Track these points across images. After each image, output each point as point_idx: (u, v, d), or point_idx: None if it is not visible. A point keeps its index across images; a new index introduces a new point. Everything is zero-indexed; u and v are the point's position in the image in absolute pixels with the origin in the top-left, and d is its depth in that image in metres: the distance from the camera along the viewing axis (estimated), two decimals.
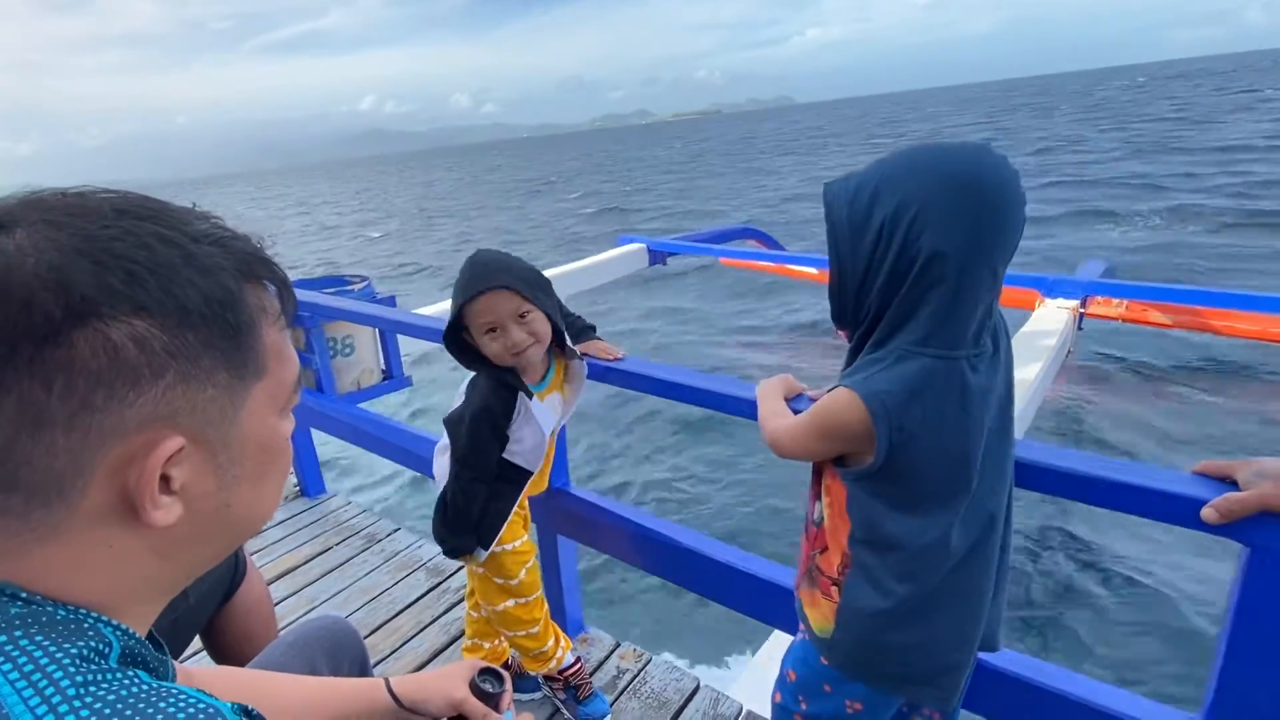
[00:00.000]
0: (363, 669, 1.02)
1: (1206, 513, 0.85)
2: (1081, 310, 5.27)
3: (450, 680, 0.83)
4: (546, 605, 1.53)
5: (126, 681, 0.38)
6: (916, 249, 0.80)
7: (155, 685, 0.39)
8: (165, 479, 0.42)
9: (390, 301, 2.77)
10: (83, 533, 0.41)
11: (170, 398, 0.41)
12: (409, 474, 4.76)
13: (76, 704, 0.36)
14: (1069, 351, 5.08)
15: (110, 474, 0.40)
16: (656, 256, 8.06)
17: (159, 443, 0.41)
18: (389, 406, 5.27)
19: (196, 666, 0.77)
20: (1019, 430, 3.56)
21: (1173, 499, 0.90)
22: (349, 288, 2.79)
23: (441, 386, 7.46)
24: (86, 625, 0.41)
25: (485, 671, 0.85)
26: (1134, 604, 3.30)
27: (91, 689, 0.37)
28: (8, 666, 0.36)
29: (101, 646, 0.40)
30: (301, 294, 2.42)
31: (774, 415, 1.07)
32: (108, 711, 0.36)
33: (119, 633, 0.42)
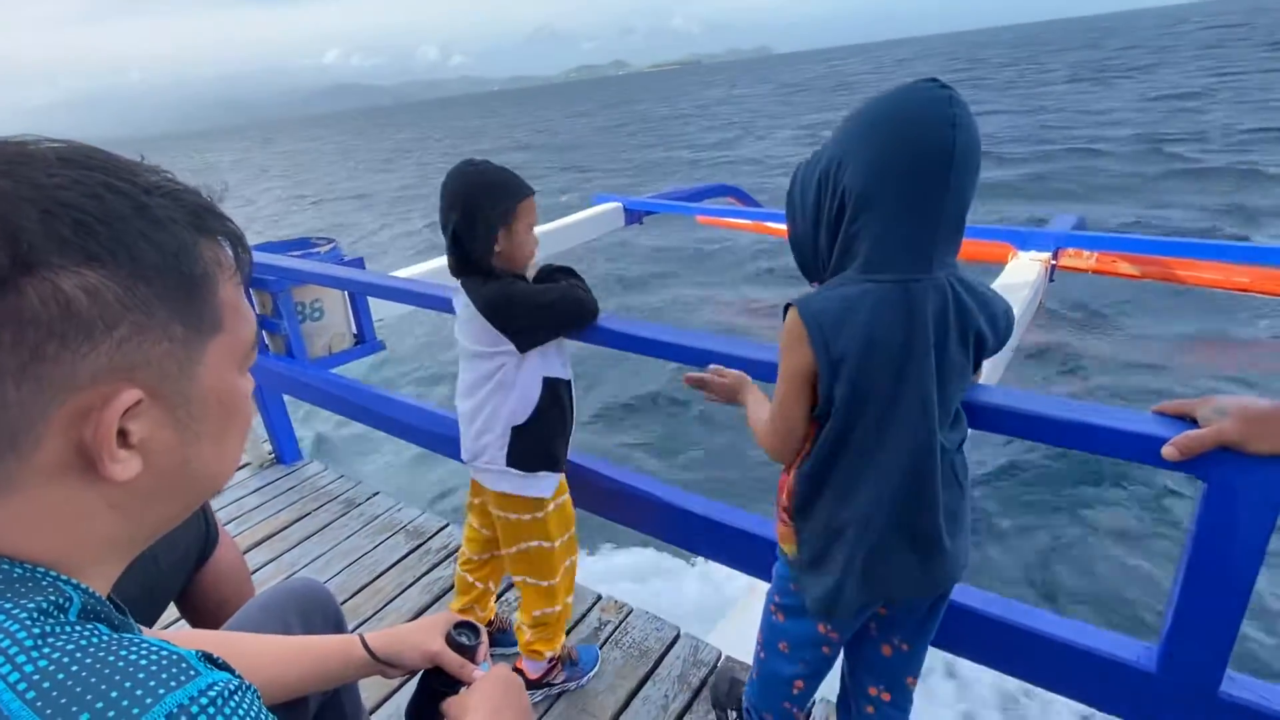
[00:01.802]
0: (338, 628, 1.02)
1: (1167, 450, 0.87)
2: (1053, 262, 5.33)
3: (426, 633, 0.83)
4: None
5: (86, 633, 0.38)
6: (843, 189, 0.87)
7: (116, 635, 0.39)
8: (124, 433, 0.41)
9: (359, 264, 2.70)
10: (39, 488, 0.40)
11: (126, 350, 0.40)
12: (387, 439, 4.74)
13: (34, 654, 0.35)
14: (1040, 302, 5.16)
15: (66, 427, 0.39)
16: (633, 216, 7.94)
17: (116, 395, 0.40)
18: (363, 372, 5.22)
19: (168, 630, 0.76)
20: (992, 378, 3.64)
21: (1134, 438, 0.92)
22: (315, 250, 2.71)
23: (416, 350, 7.39)
24: (45, 583, 0.40)
25: (461, 625, 0.85)
26: (1095, 544, 3.43)
27: (50, 640, 0.36)
28: None
29: (61, 601, 0.40)
30: (268, 257, 2.36)
31: (757, 405, 1.09)
32: (66, 660, 0.35)
33: (79, 590, 0.42)
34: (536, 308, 1.32)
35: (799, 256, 0.98)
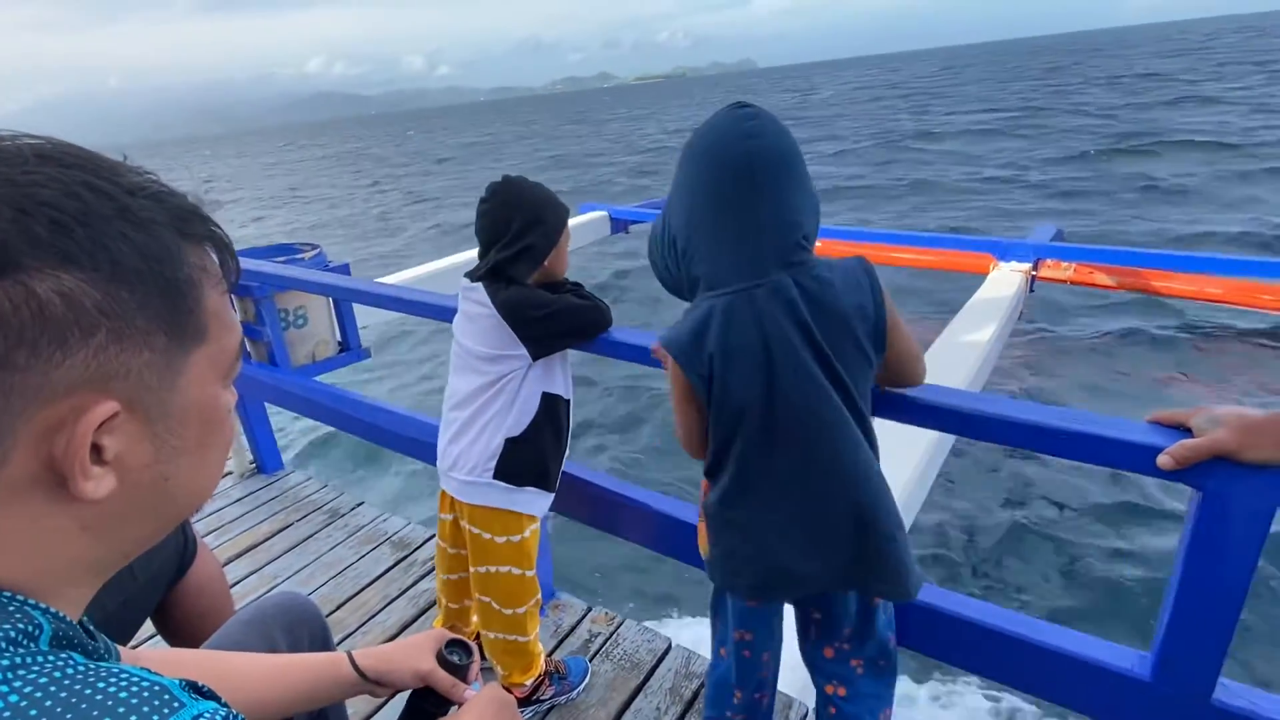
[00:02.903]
0: (324, 644, 0.99)
1: (1162, 459, 0.88)
2: (1033, 273, 5.41)
3: (416, 651, 0.81)
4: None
5: (60, 663, 0.35)
6: (670, 221, 1.00)
7: (93, 665, 0.36)
8: (97, 448, 0.38)
9: (344, 270, 2.66)
10: (5, 506, 0.37)
11: (102, 360, 0.37)
12: (370, 447, 4.67)
13: (4, 689, 0.33)
14: (1021, 313, 5.23)
15: (36, 441, 0.36)
16: (619, 225, 7.96)
17: (89, 408, 0.37)
18: (345, 380, 5.14)
19: (146, 649, 0.73)
20: (976, 387, 3.67)
21: (1130, 447, 0.92)
22: (299, 256, 2.67)
23: (403, 359, 7.31)
24: (13, 609, 0.37)
25: (453, 643, 0.82)
26: (1089, 553, 3.46)
27: (20, 672, 0.34)
28: None
29: (31, 629, 0.37)
30: (249, 263, 2.32)
31: None
32: (39, 695, 0.33)
33: (49, 616, 0.39)
34: (555, 313, 1.31)
35: (669, 289, 1.07)
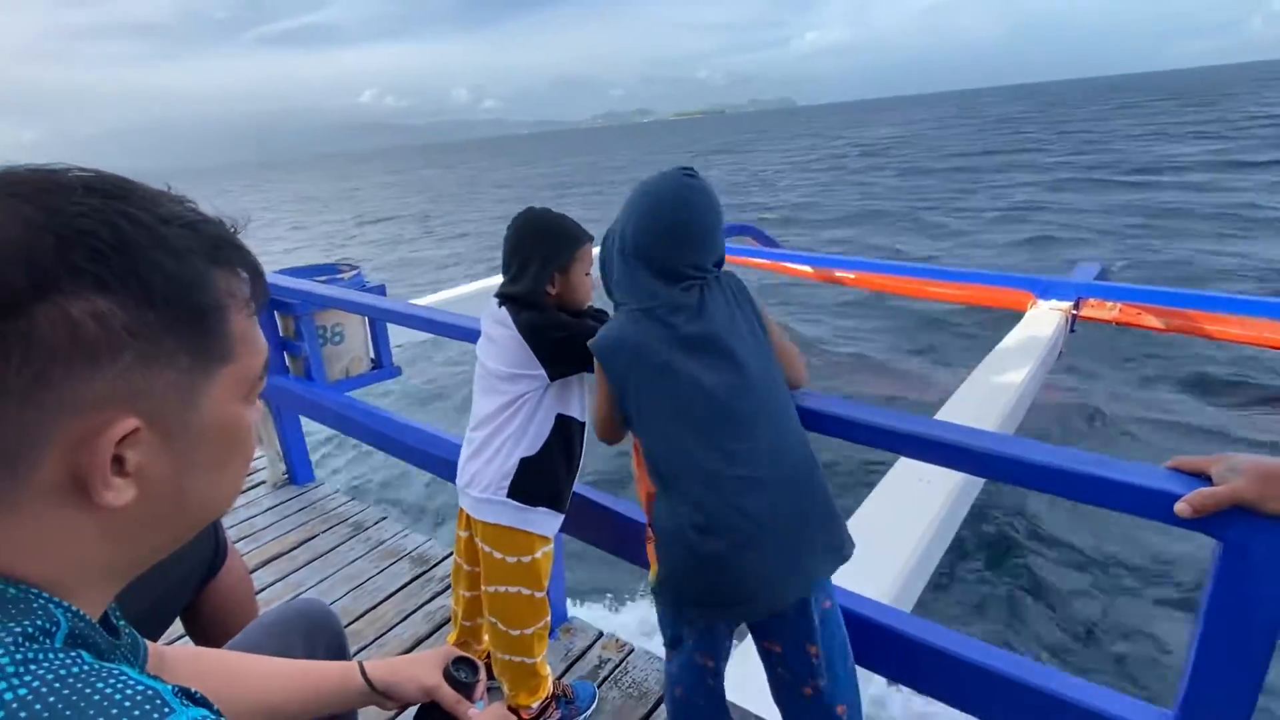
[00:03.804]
0: (339, 652, 1.02)
1: (1180, 507, 0.86)
2: (1074, 312, 5.28)
3: (424, 666, 0.83)
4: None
5: (68, 661, 0.38)
6: (611, 252, 1.20)
7: (97, 666, 0.39)
8: (119, 460, 0.41)
9: (380, 290, 2.75)
10: (35, 510, 0.40)
11: (129, 378, 0.40)
12: (396, 463, 4.74)
13: (15, 681, 0.35)
14: (1060, 353, 5.10)
15: (64, 451, 0.40)
16: None
17: (113, 423, 0.40)
18: (377, 396, 5.26)
19: (173, 647, 0.76)
20: (1009, 428, 3.58)
21: (1146, 493, 0.90)
22: (339, 276, 2.77)
23: (431, 378, 7.45)
24: (36, 605, 0.40)
25: (460, 660, 0.84)
26: (1109, 600, 3.32)
27: (31, 667, 0.36)
28: None
29: (48, 625, 0.40)
30: (292, 281, 2.42)
31: None
32: (44, 690, 0.35)
33: (68, 613, 0.42)
34: (573, 336, 1.34)
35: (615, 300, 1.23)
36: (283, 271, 2.73)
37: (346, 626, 1.85)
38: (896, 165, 26.59)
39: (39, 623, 0.39)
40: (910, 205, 16.48)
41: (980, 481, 2.83)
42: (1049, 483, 1.00)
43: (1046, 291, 5.44)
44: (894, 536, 2.34)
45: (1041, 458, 1.00)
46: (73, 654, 0.39)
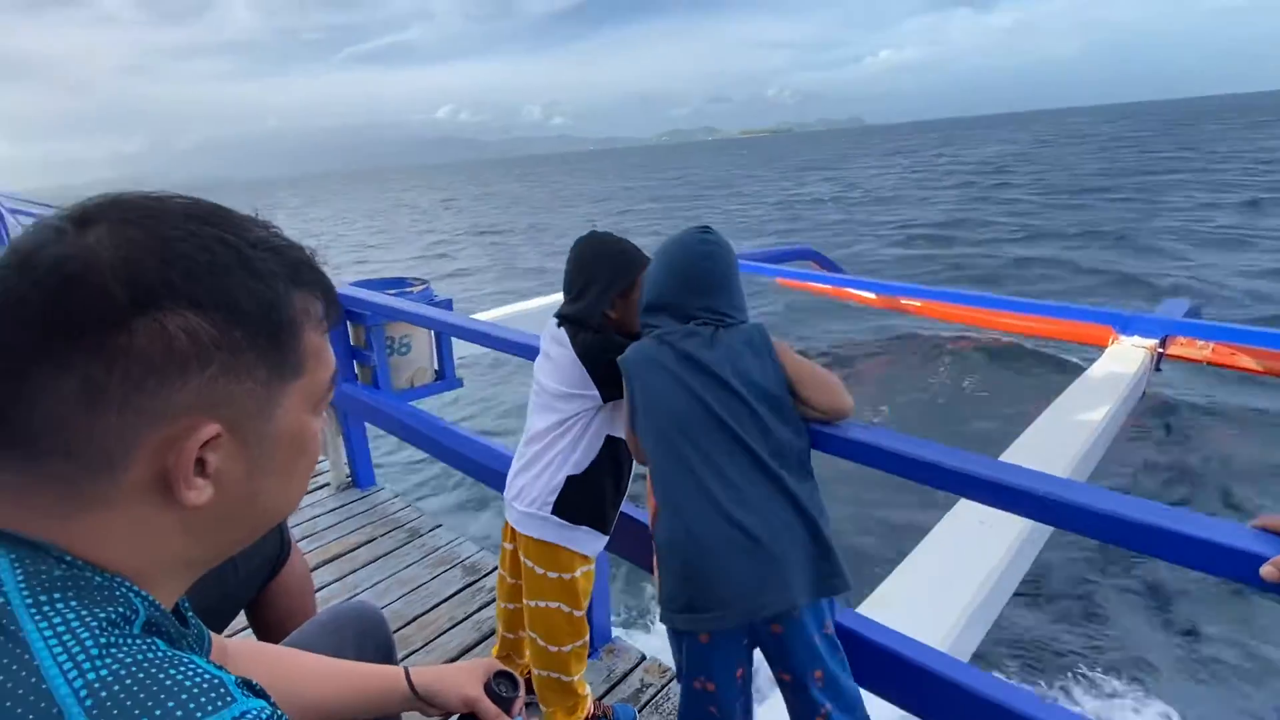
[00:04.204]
0: (387, 655, 1.06)
1: (1266, 570, 0.80)
2: (1160, 350, 4.98)
3: (466, 676, 0.85)
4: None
5: (144, 647, 0.41)
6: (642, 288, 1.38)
7: (170, 653, 0.42)
8: (201, 462, 0.45)
9: (447, 305, 2.86)
10: (124, 506, 0.44)
11: (213, 388, 0.44)
12: (454, 471, 4.87)
13: (98, 663, 0.38)
14: (1144, 393, 4.81)
15: (153, 453, 0.43)
16: None
17: (198, 428, 0.44)
18: (438, 406, 5.41)
19: (235, 640, 0.81)
20: (1082, 473, 3.38)
21: (1230, 553, 0.85)
22: (409, 290, 2.89)
23: (490, 391, 7.62)
24: (119, 593, 0.44)
25: (501, 674, 0.86)
26: (1194, 665, 3.07)
27: (112, 651, 0.40)
28: (44, 625, 0.40)
29: (128, 613, 0.43)
30: (365, 293, 2.54)
31: None
32: (122, 672, 0.38)
33: (145, 602, 0.45)
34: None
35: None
36: (356, 283, 2.87)
37: (397, 630, 1.91)
38: (1031, 184, 25.12)
39: (120, 610, 0.43)
40: (1107, 224, 15.06)
41: (1047, 529, 2.69)
42: (1120, 535, 0.95)
43: (1129, 327, 5.16)
44: (951, 582, 2.25)
45: (1111, 507, 0.95)
46: (148, 640, 0.42)
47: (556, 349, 1.44)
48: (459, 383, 3.00)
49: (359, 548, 2.39)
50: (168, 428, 0.43)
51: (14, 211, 5.84)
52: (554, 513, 1.40)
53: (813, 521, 1.14)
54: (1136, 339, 5.03)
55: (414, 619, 2.01)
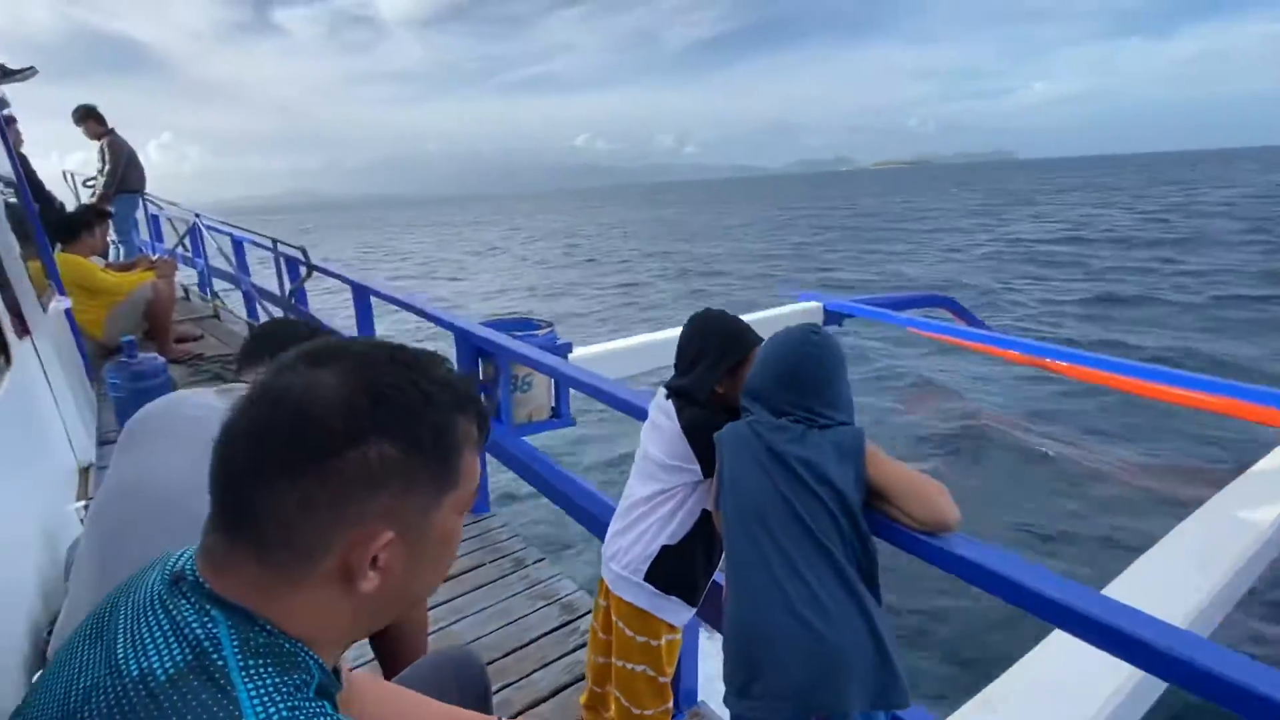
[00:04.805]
0: (482, 698, 1.16)
1: None
2: None
3: None
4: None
5: (317, 709, 0.53)
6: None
7: (335, 717, 0.54)
8: (374, 559, 0.57)
9: (567, 349, 3.05)
10: (314, 588, 0.57)
11: (393, 503, 0.57)
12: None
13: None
14: None
15: (342, 550, 0.56)
16: (832, 317, 7.87)
17: (379, 534, 0.56)
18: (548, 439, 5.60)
19: (360, 672, 0.94)
20: (1243, 582, 2.94)
21: None
22: (535, 332, 3.11)
23: (600, 430, 7.79)
24: (300, 659, 0.56)
25: None
26: None
27: (297, 713, 0.51)
28: (250, 686, 0.52)
29: (308, 679, 0.55)
30: (496, 336, 2.75)
31: None
32: None
33: (319, 667, 0.57)
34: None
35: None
36: (490, 322, 3.12)
37: (494, 662, 2.04)
38: None
39: (302, 675, 0.55)
40: None
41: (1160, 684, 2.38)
42: (1252, 711, 0.86)
43: None
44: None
45: (1242, 676, 0.87)
46: (319, 703, 0.54)
47: (663, 420, 1.51)
48: (572, 421, 3.17)
49: (466, 572, 2.56)
50: (358, 532, 0.56)
51: (210, 229, 6.48)
52: (646, 579, 1.47)
53: (877, 631, 1.14)
54: None
55: (511, 652, 2.13)
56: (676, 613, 1.48)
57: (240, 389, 1.36)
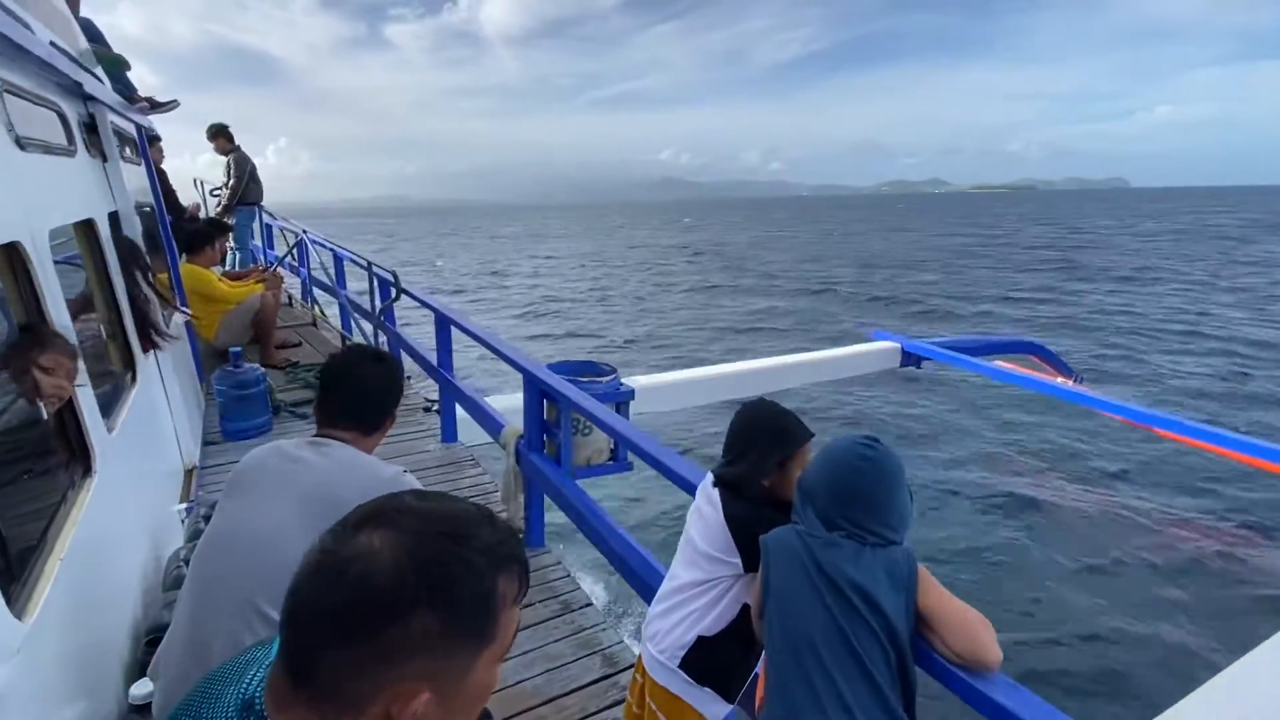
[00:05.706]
0: None
1: None
2: None
3: None
4: None
5: None
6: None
7: None
8: (411, 713, 0.64)
9: (630, 395, 3.12)
10: None
11: (430, 665, 0.63)
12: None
13: None
14: None
15: (383, 704, 0.63)
16: (910, 359, 7.61)
17: (417, 694, 0.63)
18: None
19: None
20: None
21: None
22: (599, 379, 3.20)
23: (657, 480, 7.76)
24: None
25: None
26: None
27: None
28: None
29: None
30: (559, 383, 2.85)
31: None
32: None
33: None
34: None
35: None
36: (557, 366, 3.23)
37: (535, 708, 2.12)
38: None
39: None
40: None
41: None
42: None
43: None
44: None
45: None
46: None
47: (708, 509, 1.55)
48: (629, 467, 3.23)
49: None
50: (397, 690, 0.63)
51: (315, 243, 6.90)
52: (681, 666, 1.50)
53: None
54: None
55: (552, 699, 2.20)
56: (710, 706, 1.49)
57: (326, 446, 1.50)
